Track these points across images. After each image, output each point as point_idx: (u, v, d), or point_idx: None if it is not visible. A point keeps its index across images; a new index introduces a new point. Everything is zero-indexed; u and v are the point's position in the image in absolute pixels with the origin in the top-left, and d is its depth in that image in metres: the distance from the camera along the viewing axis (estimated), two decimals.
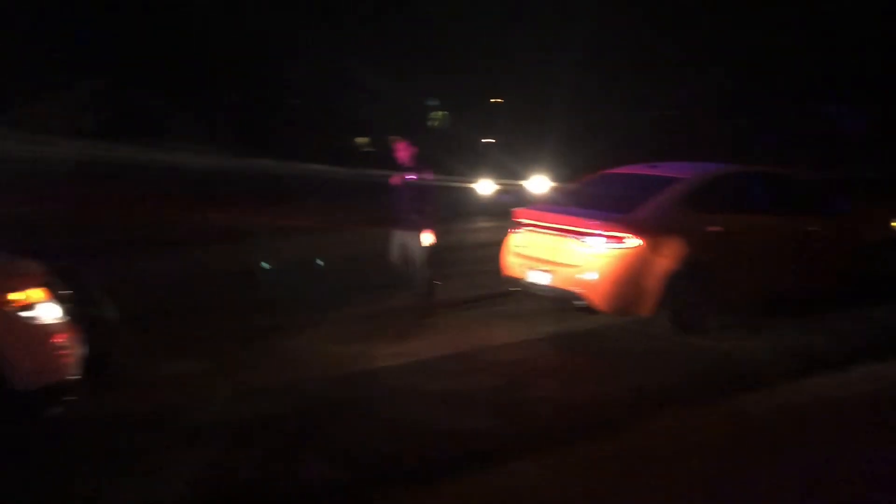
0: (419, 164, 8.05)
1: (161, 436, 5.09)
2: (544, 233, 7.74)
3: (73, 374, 4.93)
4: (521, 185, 18.60)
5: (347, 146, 34.14)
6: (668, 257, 7.22)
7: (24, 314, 4.67)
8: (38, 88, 27.51)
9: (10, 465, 4.60)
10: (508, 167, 20.06)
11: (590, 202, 7.93)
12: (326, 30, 27.55)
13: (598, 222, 7.27)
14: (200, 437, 5.05)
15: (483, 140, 33.57)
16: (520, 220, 8.10)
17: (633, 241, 7.13)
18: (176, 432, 5.15)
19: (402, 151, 8.08)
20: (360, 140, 37.94)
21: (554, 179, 18.11)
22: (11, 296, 4.66)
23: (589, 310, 7.32)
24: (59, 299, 4.94)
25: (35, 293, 4.79)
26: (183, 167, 23.65)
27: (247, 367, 6.48)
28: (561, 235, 7.52)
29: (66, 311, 4.95)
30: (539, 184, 18.40)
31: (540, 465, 4.61)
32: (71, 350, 4.92)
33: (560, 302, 7.65)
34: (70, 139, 25.63)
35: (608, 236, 7.16)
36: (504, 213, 9.64)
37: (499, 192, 18.94)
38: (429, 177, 8.06)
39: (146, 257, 12.19)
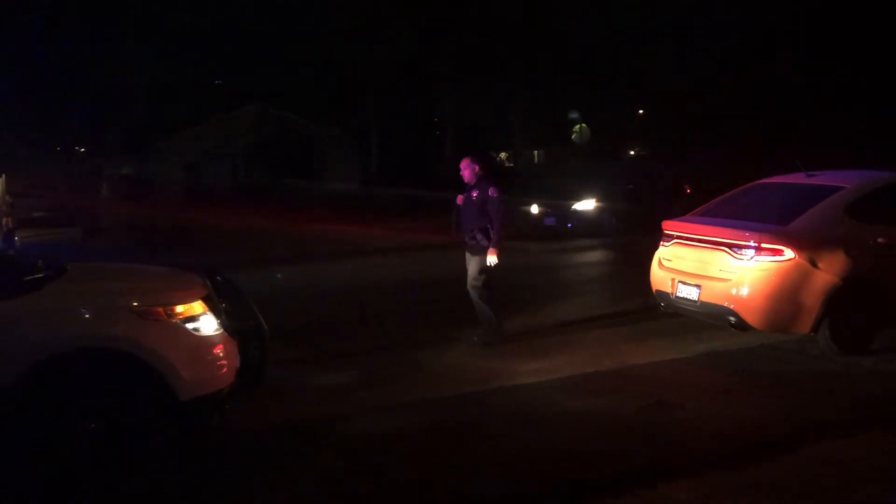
0: (482, 182, 7.65)
1: (313, 445, 5.26)
2: (695, 245, 7.40)
3: (230, 385, 5.18)
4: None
5: (488, 161, 34.37)
6: (829, 271, 6.75)
7: (187, 326, 4.96)
8: (204, 112, 29.35)
9: (172, 473, 4.87)
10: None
11: (744, 213, 7.52)
12: (471, 47, 27.83)
13: (753, 234, 6.88)
14: (351, 446, 5.19)
15: (630, 153, 32.88)
16: (669, 232, 7.79)
17: (791, 254, 6.72)
18: (327, 442, 5.31)
19: (466, 169, 7.77)
20: (501, 154, 38.09)
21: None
22: (178, 308, 4.96)
23: (741, 326, 6.94)
24: (216, 312, 5.21)
25: (196, 306, 5.08)
26: (333, 189, 24.63)
27: (392, 381, 6.60)
28: (713, 248, 7.16)
29: (222, 324, 5.21)
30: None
31: (692, 490, 4.38)
32: (227, 361, 5.18)
33: (710, 318, 7.30)
34: (229, 159, 27.22)
35: (764, 249, 6.77)
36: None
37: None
38: (492, 195, 7.54)
39: (297, 271, 12.76)
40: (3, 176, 31.81)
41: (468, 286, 7.70)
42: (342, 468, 4.84)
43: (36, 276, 5.22)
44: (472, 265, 7.61)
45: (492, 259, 7.49)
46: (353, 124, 30.33)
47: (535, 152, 40.06)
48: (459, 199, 7.80)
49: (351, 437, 5.39)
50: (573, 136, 26.72)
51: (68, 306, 4.81)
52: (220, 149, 27.82)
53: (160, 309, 4.93)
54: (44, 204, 31.85)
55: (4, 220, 26.05)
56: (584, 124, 26.42)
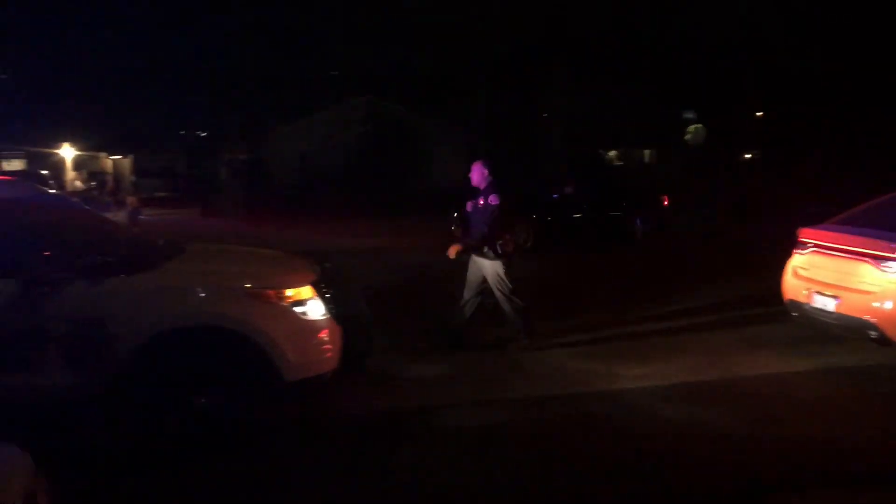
0: (487, 188, 7.31)
1: (412, 435, 5.31)
2: (834, 255, 7.00)
3: (332, 370, 5.30)
4: None
5: (594, 158, 33.83)
6: None
7: (296, 309, 5.10)
8: (318, 102, 30.10)
9: (270, 452, 5.02)
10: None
11: (889, 223, 7.04)
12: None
13: None
14: (450, 439, 5.21)
15: (745, 156, 31.68)
16: (806, 239, 7.40)
17: None
18: (426, 433, 5.35)
19: (476, 173, 7.42)
20: (610, 153, 37.43)
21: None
22: (288, 291, 5.11)
23: (882, 342, 6.53)
24: (324, 297, 5.34)
25: (305, 290, 5.21)
26: (439, 185, 24.80)
27: (489, 377, 6.58)
28: (854, 258, 6.75)
29: (329, 309, 5.33)
30: None
31: None
32: (332, 346, 5.30)
33: (848, 331, 6.91)
34: (339, 149, 27.82)
35: None
36: None
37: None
38: (492, 202, 7.19)
39: (407, 260, 12.92)
40: (132, 156, 33.68)
41: (473, 287, 7.48)
42: (440, 460, 4.87)
43: (156, 254, 5.49)
44: (487, 274, 7.36)
45: (498, 266, 7.25)
46: (460, 118, 30.45)
47: (646, 151, 39.18)
48: (469, 205, 7.48)
49: (449, 429, 5.41)
50: (687, 137, 25.96)
51: (184, 285, 5.03)
52: (332, 138, 28.46)
53: (271, 291, 5.09)
54: (166, 184, 33.64)
55: (130, 199, 27.60)
56: (699, 125, 25.62)
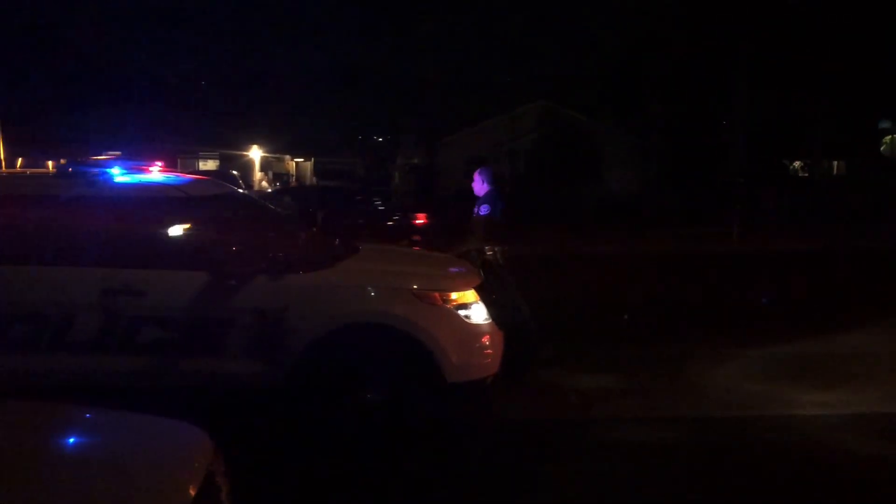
0: (483, 198, 7.28)
1: (569, 446, 5.23)
2: None
3: (493, 375, 5.32)
4: None
5: (776, 167, 31.92)
6: None
7: (460, 312, 5.16)
8: (491, 109, 30.37)
9: (428, 452, 5.10)
10: None
11: None
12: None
13: None
14: (608, 453, 5.09)
15: None
16: None
17: None
18: (584, 445, 5.26)
19: (476, 182, 7.40)
20: (795, 163, 35.23)
21: None
22: (453, 294, 5.19)
23: None
24: (487, 302, 5.37)
25: (470, 294, 5.27)
26: (614, 191, 24.33)
27: (657, 393, 6.36)
28: None
29: (492, 314, 5.35)
30: None
31: None
32: (494, 351, 5.32)
33: None
34: (511, 157, 27.95)
35: None
36: None
37: None
38: (482, 212, 7.21)
39: (575, 273, 12.80)
40: (313, 159, 35.43)
41: None
42: (596, 474, 4.76)
43: (332, 253, 5.74)
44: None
45: None
46: (635, 124, 29.69)
47: (835, 163, 36.50)
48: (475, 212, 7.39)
49: (608, 443, 5.28)
50: (882, 148, 23.93)
51: (357, 283, 5.22)
52: (504, 145, 28.65)
53: (437, 294, 5.18)
54: (343, 186, 35.21)
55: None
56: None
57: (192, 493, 2.43)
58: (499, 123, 30.13)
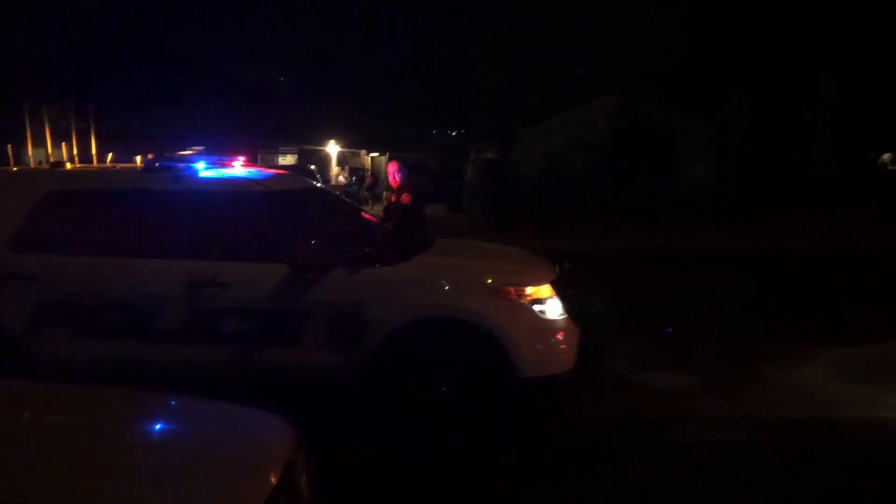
0: (401, 187, 8.02)
1: (641, 444, 5.17)
2: None
3: (567, 371, 5.29)
4: None
5: (863, 160, 30.60)
6: None
7: (534, 307, 5.15)
8: (566, 102, 30.05)
9: (499, 447, 5.10)
10: None
11: None
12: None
13: None
14: (681, 453, 5.00)
15: None
16: None
17: None
18: (656, 444, 5.19)
19: (390, 175, 8.15)
20: (884, 157, 33.75)
21: None
22: (528, 289, 5.18)
23: None
24: (562, 297, 5.34)
25: (545, 289, 5.25)
26: (691, 183, 23.74)
27: (735, 392, 6.20)
28: None
29: (567, 310, 5.32)
30: None
31: None
32: (568, 347, 5.28)
33: None
34: (584, 151, 27.60)
35: None
36: None
37: None
38: (405, 200, 7.93)
39: (649, 269, 12.59)
40: (388, 154, 35.76)
41: None
42: (672, 474, 4.68)
43: (407, 247, 5.80)
44: None
45: None
46: (712, 117, 28.86)
47: None
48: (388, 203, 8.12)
49: (681, 443, 5.19)
50: None
51: (431, 277, 5.26)
52: (578, 139, 28.29)
53: (511, 288, 5.18)
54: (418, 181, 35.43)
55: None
56: None
57: (274, 480, 2.50)
58: (573, 117, 29.74)
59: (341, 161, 38.17)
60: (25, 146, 6.18)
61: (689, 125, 28.42)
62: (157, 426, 2.95)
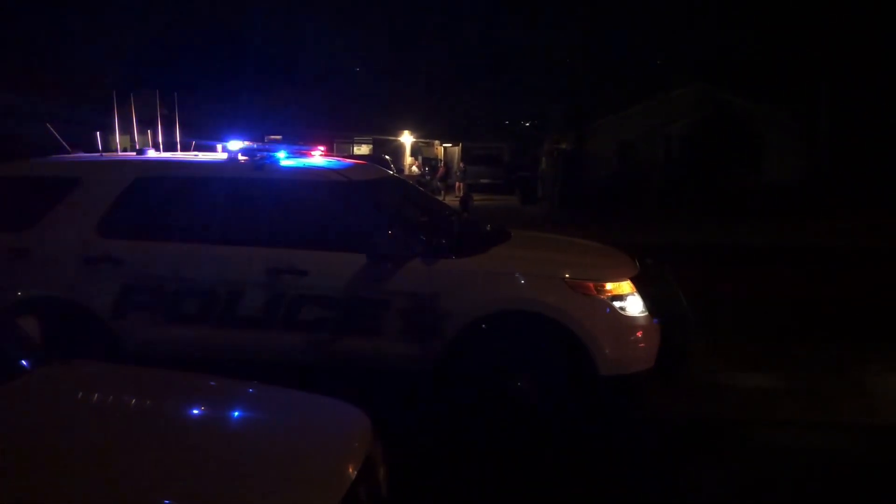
0: None
1: (721, 447, 5.01)
2: None
3: (647, 370, 5.14)
4: None
5: None
6: None
7: (614, 304, 5.02)
8: (645, 92, 29.42)
9: (578, 444, 5.00)
10: None
11: None
12: None
13: None
14: (764, 457, 4.81)
15: None
16: None
17: None
18: (737, 447, 5.02)
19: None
20: None
21: None
22: (608, 285, 5.05)
23: None
24: (643, 294, 5.19)
25: (625, 285, 5.11)
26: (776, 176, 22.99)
27: (823, 396, 5.94)
28: None
29: (648, 307, 5.17)
30: None
31: None
32: (649, 345, 5.14)
33: None
34: (662, 142, 27.01)
35: None
36: None
37: None
38: None
39: (731, 265, 12.24)
40: (461, 144, 35.82)
41: None
42: (756, 480, 4.50)
43: (484, 239, 5.73)
44: None
45: None
46: (801, 107, 27.77)
47: None
48: None
49: (765, 446, 5.00)
50: None
51: (508, 270, 5.18)
52: (654, 129, 27.69)
53: (591, 283, 5.06)
54: (491, 172, 35.36)
55: (458, 184, 29.41)
56: None
57: (353, 473, 2.48)
58: (652, 107, 29.14)
59: (415, 151, 38.35)
60: (113, 133, 6.34)
61: (774, 115, 27.47)
62: (240, 414, 2.97)
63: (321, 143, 6.78)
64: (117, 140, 6.34)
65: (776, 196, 21.76)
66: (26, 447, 2.28)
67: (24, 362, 2.89)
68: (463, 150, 39.12)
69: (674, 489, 4.42)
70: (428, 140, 40.20)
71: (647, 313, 5.14)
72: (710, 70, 28.92)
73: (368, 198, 5.51)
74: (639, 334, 5.09)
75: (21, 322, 3.17)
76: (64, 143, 6.10)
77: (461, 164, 33.37)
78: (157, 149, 6.21)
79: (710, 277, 10.81)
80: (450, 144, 41.01)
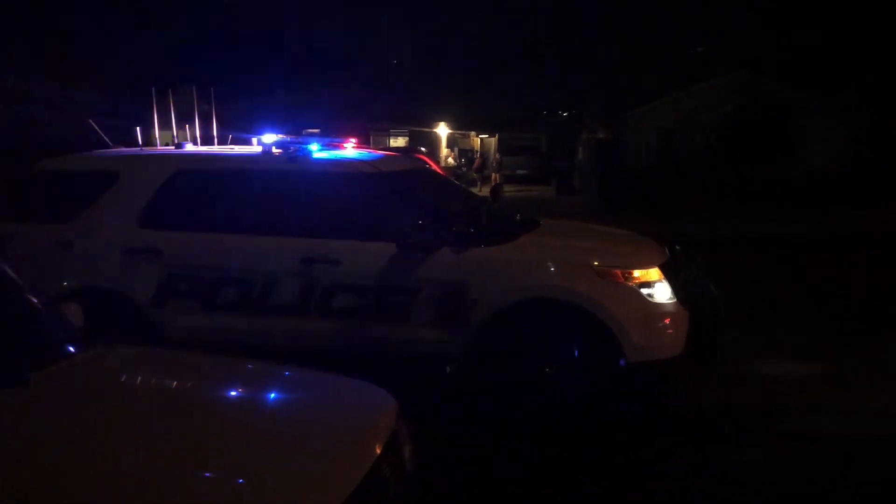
0: None
1: (749, 435, 5.02)
2: None
3: (675, 356, 5.17)
4: None
5: None
6: None
7: (642, 291, 5.05)
8: (683, 80, 29.02)
9: (603, 432, 5.05)
10: None
11: None
12: None
13: None
14: (793, 445, 4.82)
15: None
16: None
17: None
18: (767, 435, 5.02)
19: None
20: None
21: None
22: (636, 272, 5.09)
23: None
24: (672, 281, 5.21)
25: (653, 272, 5.14)
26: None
27: (856, 383, 5.90)
28: None
29: (676, 294, 5.19)
30: None
31: None
32: (677, 332, 5.16)
33: None
34: (701, 130, 26.68)
35: None
36: None
37: None
38: None
39: (767, 253, 12.12)
40: (497, 136, 35.80)
41: None
42: (789, 466, 4.52)
43: (513, 228, 5.80)
44: None
45: None
46: (843, 96, 27.19)
47: None
48: None
49: (795, 435, 4.99)
50: None
51: (537, 258, 5.24)
52: (694, 118, 27.35)
53: (619, 271, 5.10)
54: (527, 162, 35.30)
55: (494, 175, 29.42)
56: None
57: (378, 450, 2.58)
58: (690, 95, 28.78)
59: (451, 143, 38.40)
60: (153, 128, 6.54)
61: (818, 105, 26.96)
62: (272, 394, 3.09)
63: (357, 136, 6.89)
64: (156, 134, 6.53)
65: (818, 185, 21.40)
66: (73, 423, 2.42)
67: (69, 347, 3.04)
68: (499, 141, 39.08)
69: (704, 475, 4.45)
70: (464, 131, 40.21)
71: (675, 300, 5.17)
72: (751, 57, 28.47)
73: (398, 188, 5.61)
74: (667, 321, 5.12)
75: (66, 310, 3.31)
76: (105, 137, 6.30)
77: (497, 155, 33.36)
78: (195, 143, 6.38)
79: (744, 265, 10.74)
80: (486, 135, 40.99)
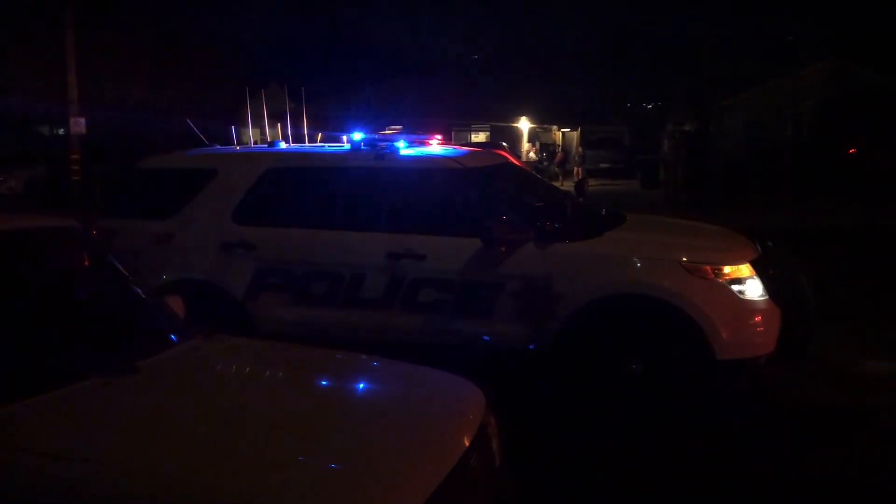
0: None
1: (840, 435, 4.87)
2: None
3: (767, 354, 5.05)
4: None
5: None
6: None
7: (732, 287, 4.95)
8: (775, 69, 28.08)
9: (693, 429, 4.97)
10: None
11: None
12: None
13: None
14: (888, 445, 4.64)
15: None
16: None
17: None
18: (859, 435, 4.87)
19: None
20: None
21: None
22: (726, 268, 4.99)
23: None
24: (763, 278, 5.09)
25: (744, 269, 5.04)
26: None
27: None
28: None
29: (768, 291, 5.06)
30: None
31: None
32: (768, 329, 5.04)
33: None
34: (792, 120, 25.76)
35: None
36: None
37: None
38: None
39: (862, 249, 11.67)
40: (579, 129, 35.44)
41: None
42: (880, 466, 4.36)
43: (598, 223, 5.76)
44: None
45: None
46: None
47: None
48: None
49: (890, 434, 4.81)
50: None
51: (623, 254, 5.20)
52: (783, 109, 26.41)
53: (708, 267, 5.02)
54: (610, 156, 34.80)
55: (576, 169, 29.13)
56: None
57: (467, 442, 2.63)
58: (781, 85, 27.82)
59: (532, 137, 38.19)
60: (246, 126, 6.76)
61: None
62: (364, 384, 3.19)
63: (439, 132, 6.96)
64: (249, 133, 6.75)
65: None
66: (178, 408, 2.56)
67: (173, 336, 3.20)
68: (581, 135, 38.67)
69: (795, 476, 4.34)
70: (545, 126, 39.93)
71: (766, 297, 5.05)
72: (843, 44, 27.29)
73: (483, 184, 5.65)
74: (758, 318, 5.00)
75: (168, 301, 3.49)
76: (202, 137, 6.56)
77: (579, 149, 32.99)
78: (287, 141, 6.58)
79: (838, 261, 10.36)
80: (568, 129, 40.59)
